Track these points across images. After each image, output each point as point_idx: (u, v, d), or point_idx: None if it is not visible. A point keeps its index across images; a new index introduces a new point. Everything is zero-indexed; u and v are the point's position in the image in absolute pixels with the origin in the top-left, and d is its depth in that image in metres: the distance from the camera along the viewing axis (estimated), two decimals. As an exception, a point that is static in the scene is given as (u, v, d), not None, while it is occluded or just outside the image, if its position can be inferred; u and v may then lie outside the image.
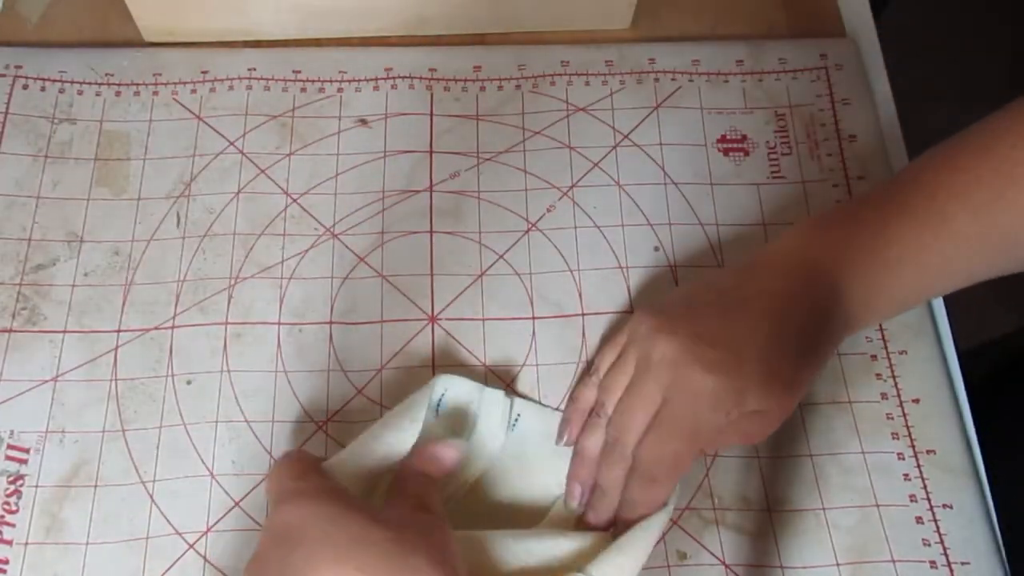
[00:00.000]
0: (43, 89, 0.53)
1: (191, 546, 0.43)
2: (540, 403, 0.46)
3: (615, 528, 0.41)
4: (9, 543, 0.43)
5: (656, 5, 0.58)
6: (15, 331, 0.47)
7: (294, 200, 0.51)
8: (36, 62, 0.54)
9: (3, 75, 0.54)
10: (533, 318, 0.48)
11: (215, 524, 0.43)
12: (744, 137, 0.53)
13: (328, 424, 0.46)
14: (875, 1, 0.58)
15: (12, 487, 0.44)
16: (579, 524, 0.43)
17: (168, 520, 0.43)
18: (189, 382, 0.46)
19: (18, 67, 0.54)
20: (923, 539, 0.44)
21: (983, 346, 0.67)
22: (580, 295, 0.49)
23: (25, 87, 0.53)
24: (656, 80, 0.55)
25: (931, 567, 0.43)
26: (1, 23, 0.56)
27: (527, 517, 0.44)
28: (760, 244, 0.50)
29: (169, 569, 0.42)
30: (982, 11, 1.25)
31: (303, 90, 0.54)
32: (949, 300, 0.50)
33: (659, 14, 0.58)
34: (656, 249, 0.50)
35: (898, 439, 0.46)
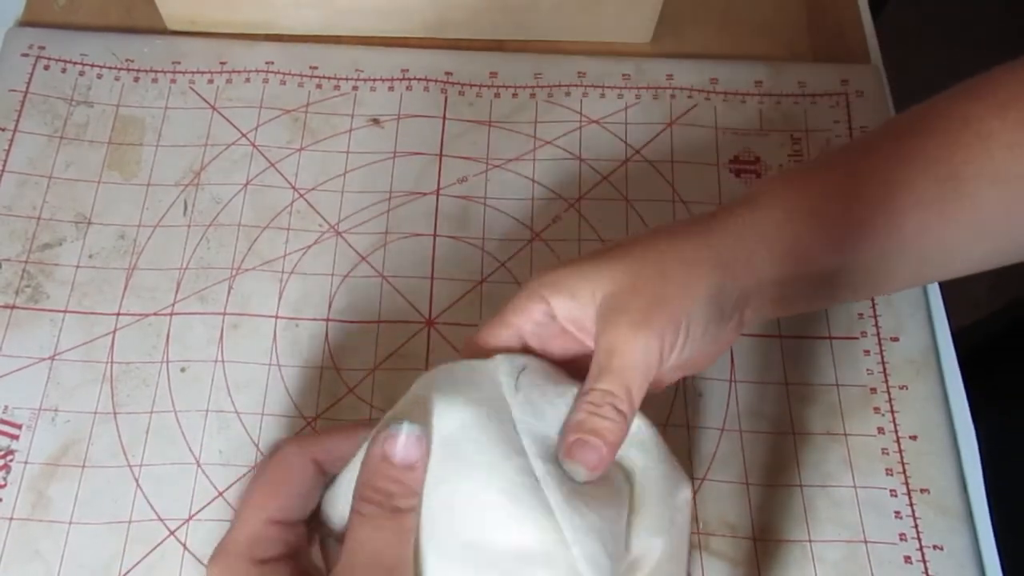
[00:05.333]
0: (64, 71, 0.54)
1: (172, 533, 0.43)
2: None
3: None
4: (-6, 517, 0.43)
5: (678, 21, 0.57)
6: (17, 307, 0.48)
7: (301, 195, 0.51)
8: (59, 44, 0.55)
9: (26, 55, 0.54)
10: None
11: (197, 513, 0.43)
12: (757, 159, 0.53)
13: (317, 421, 0.46)
14: (875, 1, 0.58)
15: (2, 461, 0.44)
16: None
17: (151, 505, 0.43)
18: (183, 369, 0.47)
19: (41, 48, 0.55)
20: (910, 579, 0.43)
21: (993, 384, 0.66)
22: (579, 308, 0.48)
23: (46, 68, 0.54)
24: (672, 96, 0.54)
25: (916, 609, 0.42)
26: (31, 2, 0.57)
27: None
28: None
29: (148, 554, 0.42)
30: (983, 11, 1.24)
31: (319, 86, 0.54)
32: (958, 336, 0.49)
33: (681, 30, 0.57)
34: (659, 267, 0.50)
35: (892, 475, 0.45)
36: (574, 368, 0.37)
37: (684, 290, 0.34)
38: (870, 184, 0.36)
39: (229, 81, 0.54)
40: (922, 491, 0.45)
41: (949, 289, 0.50)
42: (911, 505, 0.44)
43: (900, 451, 0.46)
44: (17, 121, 0.53)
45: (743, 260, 0.36)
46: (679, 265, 0.35)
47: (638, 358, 0.33)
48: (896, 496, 0.45)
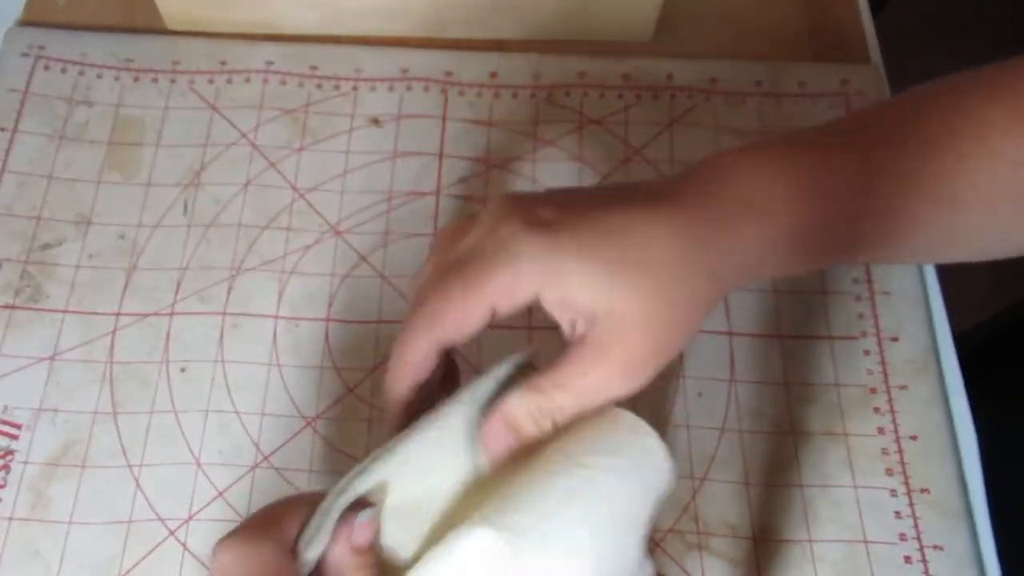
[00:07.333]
0: (63, 71, 0.54)
1: (172, 533, 0.43)
2: None
3: None
4: (-6, 517, 0.43)
5: (678, 21, 0.57)
6: (17, 307, 0.48)
7: (301, 195, 0.51)
8: (59, 44, 0.55)
9: (26, 55, 0.54)
10: (529, 328, 0.48)
11: (197, 513, 0.43)
12: (757, 159, 0.53)
13: (317, 421, 0.46)
14: (875, 1, 0.57)
15: (2, 461, 0.44)
16: None
17: (151, 505, 0.43)
18: (183, 369, 0.47)
19: (41, 48, 0.55)
20: (910, 579, 0.43)
21: (993, 384, 0.66)
22: (579, 308, 0.48)
23: (47, 68, 0.54)
24: (672, 96, 0.54)
25: (916, 609, 0.42)
26: (31, 2, 0.57)
27: None
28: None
29: (148, 555, 0.42)
30: (983, 11, 1.24)
31: (319, 86, 0.54)
32: (959, 336, 0.49)
33: (681, 30, 0.57)
34: (659, 267, 0.50)
35: (892, 475, 0.45)
36: None
37: (684, 326, 0.33)
38: (888, 184, 0.35)
39: (229, 81, 0.54)
40: (922, 491, 0.45)
41: (949, 290, 0.50)
42: (911, 505, 0.44)
43: (900, 451, 0.46)
44: (17, 121, 0.53)
45: (748, 270, 0.35)
46: (685, 286, 0.33)
47: (606, 396, 0.32)
48: (896, 496, 0.45)
